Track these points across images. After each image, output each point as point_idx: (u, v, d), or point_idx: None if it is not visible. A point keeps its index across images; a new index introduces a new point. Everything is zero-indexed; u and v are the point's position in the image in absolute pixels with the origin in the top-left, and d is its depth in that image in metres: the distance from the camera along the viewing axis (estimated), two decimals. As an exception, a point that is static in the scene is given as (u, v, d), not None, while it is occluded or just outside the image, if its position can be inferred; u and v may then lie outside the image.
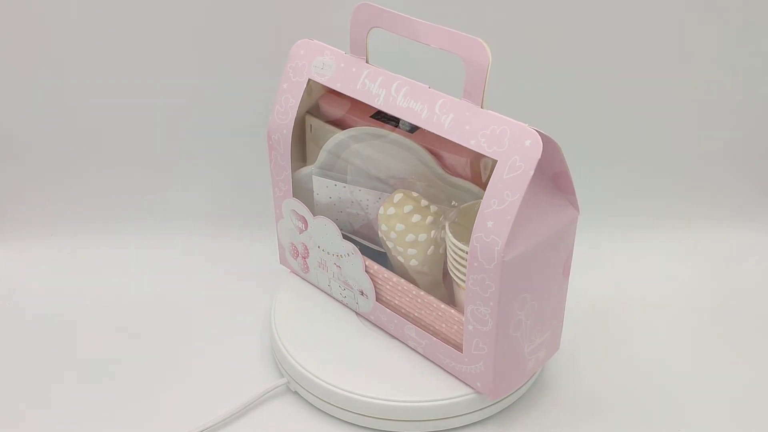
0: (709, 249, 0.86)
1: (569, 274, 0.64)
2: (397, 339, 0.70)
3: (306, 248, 0.73)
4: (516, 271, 0.58)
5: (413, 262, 0.65)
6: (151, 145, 0.85)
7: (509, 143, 0.56)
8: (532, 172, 0.55)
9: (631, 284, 0.82)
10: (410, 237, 0.64)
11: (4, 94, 0.81)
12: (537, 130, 0.55)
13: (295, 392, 0.69)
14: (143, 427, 0.67)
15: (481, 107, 0.58)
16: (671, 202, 0.87)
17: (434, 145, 0.66)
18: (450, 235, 0.61)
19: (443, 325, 0.65)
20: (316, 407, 0.68)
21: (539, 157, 0.54)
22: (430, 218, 0.64)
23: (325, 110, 0.72)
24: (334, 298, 0.74)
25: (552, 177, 0.60)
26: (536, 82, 0.82)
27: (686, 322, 0.78)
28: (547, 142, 0.57)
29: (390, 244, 0.66)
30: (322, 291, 0.75)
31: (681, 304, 0.81)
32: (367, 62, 0.65)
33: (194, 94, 0.83)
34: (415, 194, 0.65)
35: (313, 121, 0.73)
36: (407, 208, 0.64)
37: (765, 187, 0.88)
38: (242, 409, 0.67)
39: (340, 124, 0.71)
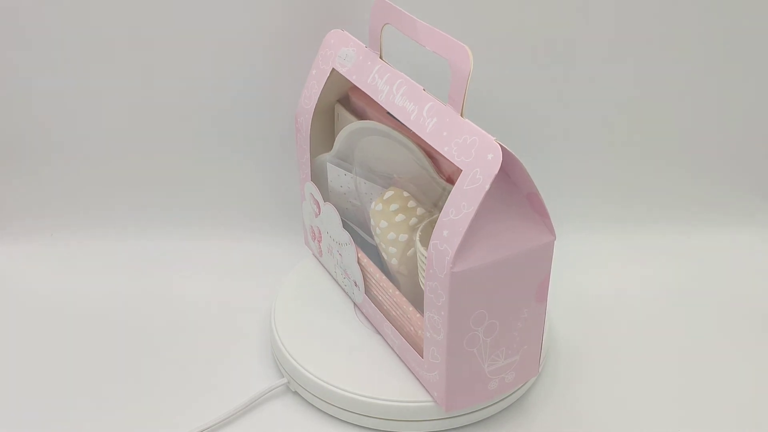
0: (708, 250, 0.85)
1: (546, 300, 0.61)
2: (380, 335, 0.70)
3: (320, 232, 0.75)
4: (468, 284, 0.56)
5: (393, 261, 0.65)
6: (152, 144, 0.84)
7: (475, 155, 0.55)
8: (487, 187, 0.53)
9: (626, 286, 0.81)
10: (391, 235, 0.64)
11: (5, 93, 0.81)
12: (502, 146, 0.54)
13: (295, 392, 0.69)
14: (143, 427, 0.67)
15: (461, 114, 0.57)
16: (669, 203, 0.86)
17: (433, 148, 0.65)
18: (418, 238, 0.61)
19: (411, 328, 0.65)
20: (316, 407, 0.68)
21: (496, 172, 0.53)
22: (414, 220, 0.64)
23: (352, 101, 0.73)
24: (339, 284, 0.76)
25: (527, 197, 0.58)
26: (536, 80, 0.80)
27: (685, 325, 0.77)
28: (515, 161, 0.55)
29: (376, 240, 0.67)
30: (332, 276, 0.77)
31: (679, 306, 0.79)
32: (380, 57, 0.66)
33: (202, 92, 0.81)
34: (405, 194, 0.65)
35: (340, 110, 0.74)
36: (393, 206, 0.64)
37: (763, 187, 0.86)
38: (242, 409, 0.68)
39: (362, 117, 0.72)
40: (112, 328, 0.77)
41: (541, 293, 0.61)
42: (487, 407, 0.67)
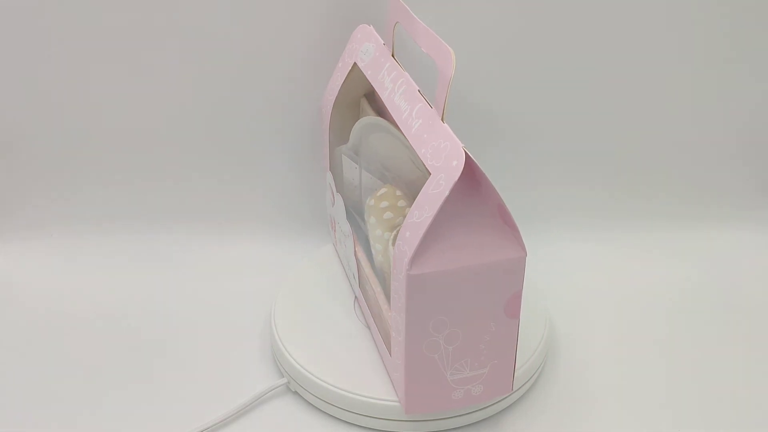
0: (709, 249, 0.85)
1: (518, 316, 0.60)
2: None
3: (334, 222, 0.76)
4: (426, 289, 0.56)
5: (379, 258, 0.66)
6: (152, 144, 0.83)
7: (444, 160, 0.54)
8: (447, 193, 0.53)
9: (627, 286, 0.81)
10: (378, 232, 0.65)
11: (6, 91, 0.80)
12: (467, 154, 0.53)
13: (295, 392, 0.69)
14: (143, 427, 0.67)
15: (442, 118, 0.57)
16: (670, 203, 0.86)
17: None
18: (391, 238, 0.61)
19: (386, 326, 0.65)
20: (316, 407, 0.68)
21: (456, 179, 0.52)
22: (400, 219, 0.64)
23: (376, 96, 0.74)
24: (346, 274, 0.77)
25: (497, 208, 0.57)
26: (533, 79, 0.79)
27: (686, 324, 0.77)
28: (479, 171, 0.54)
29: (367, 234, 0.67)
30: (342, 266, 0.78)
31: (680, 306, 0.79)
32: (392, 55, 0.66)
33: (206, 91, 0.80)
34: (398, 193, 0.65)
35: (364, 105, 0.75)
36: (384, 203, 0.65)
37: (761, 187, 0.85)
38: (242, 409, 0.68)
39: (382, 112, 0.73)
40: (112, 327, 0.77)
41: (511, 309, 0.59)
42: (485, 407, 0.66)
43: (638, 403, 0.69)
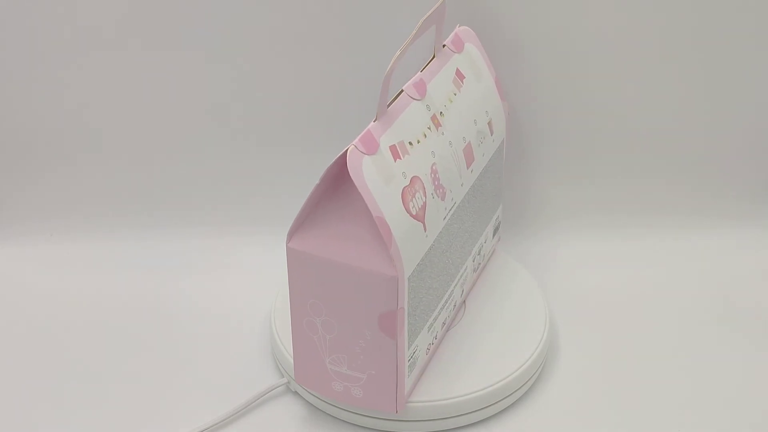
0: (709, 251, 0.85)
1: (395, 338, 0.58)
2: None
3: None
4: (300, 266, 0.59)
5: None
6: (151, 144, 0.82)
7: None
8: (317, 181, 0.56)
9: (627, 286, 0.81)
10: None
11: (5, 92, 0.80)
12: (347, 155, 0.54)
13: (295, 392, 0.69)
14: (143, 427, 0.67)
15: (375, 118, 0.58)
16: (669, 202, 0.86)
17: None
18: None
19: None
20: (316, 407, 0.68)
21: (323, 171, 0.55)
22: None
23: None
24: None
25: (376, 220, 0.56)
26: (537, 79, 0.79)
27: (685, 325, 0.77)
28: (351, 180, 0.55)
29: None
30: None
31: (679, 306, 0.79)
32: (433, 56, 0.67)
33: (202, 89, 0.79)
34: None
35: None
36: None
37: (764, 187, 0.86)
38: (242, 409, 0.68)
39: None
40: (111, 328, 0.77)
41: (387, 326, 0.58)
42: (485, 408, 0.66)
43: (638, 403, 0.69)
